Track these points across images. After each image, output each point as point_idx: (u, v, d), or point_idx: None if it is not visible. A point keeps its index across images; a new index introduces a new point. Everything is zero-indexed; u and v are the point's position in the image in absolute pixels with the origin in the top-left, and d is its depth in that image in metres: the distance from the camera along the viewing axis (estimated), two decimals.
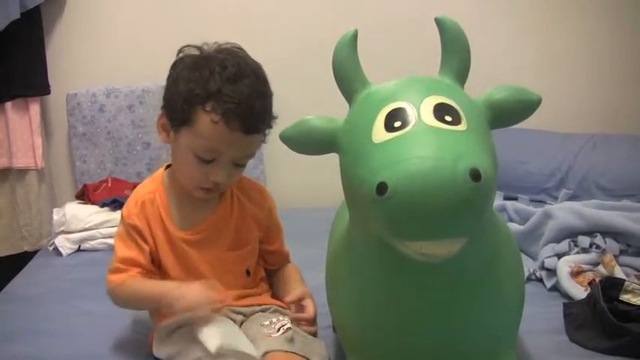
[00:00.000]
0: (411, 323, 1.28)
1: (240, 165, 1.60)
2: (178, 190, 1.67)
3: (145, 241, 1.64)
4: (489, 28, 3.22)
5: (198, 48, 1.61)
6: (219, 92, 1.50)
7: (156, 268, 1.67)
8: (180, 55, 1.62)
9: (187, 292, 1.50)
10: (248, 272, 1.71)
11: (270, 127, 1.59)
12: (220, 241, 1.67)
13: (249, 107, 1.51)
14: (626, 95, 3.37)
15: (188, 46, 1.63)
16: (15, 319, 2.06)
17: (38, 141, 3.10)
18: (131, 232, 1.64)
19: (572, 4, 3.31)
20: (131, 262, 1.63)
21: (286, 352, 1.51)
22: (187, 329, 1.56)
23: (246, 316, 1.65)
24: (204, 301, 1.48)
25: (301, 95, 2.82)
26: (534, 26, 3.33)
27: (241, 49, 1.62)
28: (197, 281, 1.54)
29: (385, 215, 1.08)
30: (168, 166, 1.73)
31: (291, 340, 1.54)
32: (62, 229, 2.72)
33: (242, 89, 1.51)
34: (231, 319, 1.62)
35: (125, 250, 1.64)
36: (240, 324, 1.64)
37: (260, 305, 1.68)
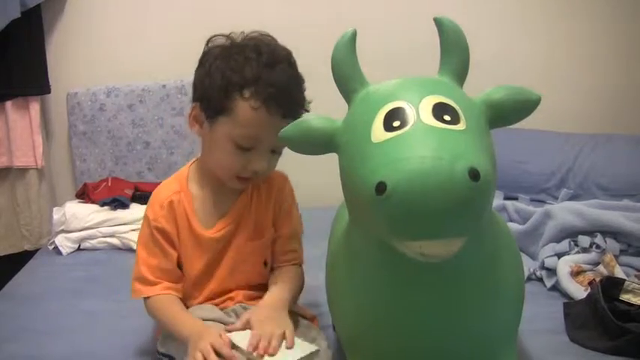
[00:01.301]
0: (410, 323, 1.28)
1: (276, 152, 1.59)
2: (204, 184, 1.65)
3: (172, 246, 1.62)
4: (489, 28, 3.22)
5: (227, 37, 1.61)
6: (258, 78, 1.50)
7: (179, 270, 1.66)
8: (209, 44, 1.61)
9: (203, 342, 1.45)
10: (266, 263, 1.69)
11: (307, 110, 1.60)
12: (241, 232, 1.65)
13: (289, 92, 1.52)
14: (626, 95, 3.37)
15: (216, 35, 1.62)
16: (15, 318, 2.06)
17: (38, 140, 3.10)
18: (157, 236, 1.61)
19: (573, 4, 3.31)
20: (159, 272, 1.61)
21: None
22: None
23: None
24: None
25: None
26: (534, 26, 3.33)
27: (270, 36, 1.62)
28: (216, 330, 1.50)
29: (384, 215, 1.07)
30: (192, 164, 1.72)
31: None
32: (62, 228, 2.72)
33: (279, 74, 1.51)
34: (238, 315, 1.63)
35: (150, 257, 1.62)
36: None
37: None
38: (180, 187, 1.66)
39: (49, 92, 3.15)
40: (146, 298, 1.61)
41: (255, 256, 1.68)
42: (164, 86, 3.13)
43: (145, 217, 1.64)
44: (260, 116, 1.49)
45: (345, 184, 1.22)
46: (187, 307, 1.64)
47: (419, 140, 1.09)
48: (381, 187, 1.05)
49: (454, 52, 1.26)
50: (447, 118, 1.13)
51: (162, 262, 1.61)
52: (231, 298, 1.67)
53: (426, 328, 1.28)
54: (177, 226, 1.62)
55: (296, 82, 1.57)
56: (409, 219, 1.06)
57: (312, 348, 1.42)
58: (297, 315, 1.65)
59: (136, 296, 1.62)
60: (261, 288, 1.68)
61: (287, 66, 1.55)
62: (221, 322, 1.60)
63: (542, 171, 3.00)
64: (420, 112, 1.13)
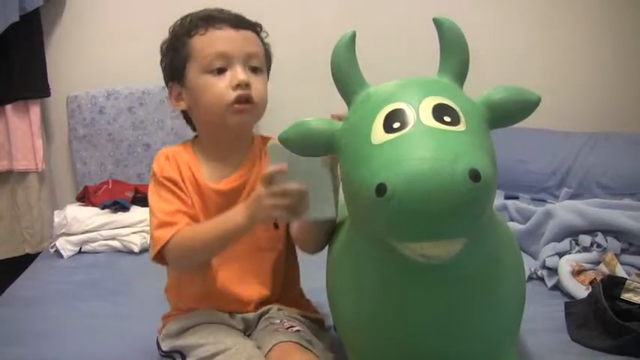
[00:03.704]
0: (411, 324, 1.28)
1: (256, 70, 1.60)
2: (207, 151, 1.65)
3: (183, 191, 1.59)
4: (489, 28, 3.21)
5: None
6: (196, 18, 1.61)
7: None
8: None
9: (247, 206, 1.43)
10: (276, 225, 1.67)
11: (259, 30, 1.66)
12: (247, 193, 1.61)
13: (222, 11, 1.62)
14: (627, 94, 3.36)
15: None
16: (17, 321, 2.06)
17: (39, 143, 3.10)
18: (168, 184, 1.59)
19: (572, 3, 3.31)
20: (178, 215, 1.56)
21: (294, 342, 1.52)
22: (199, 328, 1.59)
23: (263, 314, 1.66)
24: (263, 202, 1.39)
25: (301, 97, 2.84)
26: (534, 25, 3.33)
27: None
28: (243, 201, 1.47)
29: (385, 216, 1.07)
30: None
31: (298, 336, 1.55)
32: (63, 231, 2.73)
33: (211, 10, 1.63)
34: (248, 319, 1.64)
35: (165, 204, 1.57)
36: (258, 318, 1.65)
37: (281, 308, 1.67)
38: (184, 148, 1.67)
39: (49, 95, 3.15)
40: (164, 247, 1.52)
41: None
42: (164, 88, 3.08)
43: (152, 174, 1.62)
44: (211, 36, 1.58)
45: (346, 186, 1.21)
46: (189, 310, 1.65)
47: (419, 142, 1.09)
48: (381, 189, 1.05)
49: (454, 53, 1.26)
50: (447, 119, 1.13)
51: (178, 206, 1.57)
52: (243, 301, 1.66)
53: (426, 329, 1.28)
54: (182, 175, 1.61)
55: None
56: (410, 220, 1.06)
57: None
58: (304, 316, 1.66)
59: (159, 245, 1.52)
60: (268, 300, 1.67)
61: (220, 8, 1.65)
62: (225, 324, 1.60)
63: (543, 170, 3.00)
64: (420, 113, 1.13)
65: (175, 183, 1.59)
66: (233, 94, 1.55)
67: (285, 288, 1.71)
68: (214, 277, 1.62)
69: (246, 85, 1.55)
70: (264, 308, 1.65)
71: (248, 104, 1.57)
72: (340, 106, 1.33)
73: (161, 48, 1.67)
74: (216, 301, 1.64)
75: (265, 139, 1.65)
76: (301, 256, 1.74)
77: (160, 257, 1.54)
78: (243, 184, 1.62)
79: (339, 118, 1.31)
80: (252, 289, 1.65)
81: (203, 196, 1.61)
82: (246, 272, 1.64)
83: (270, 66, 1.70)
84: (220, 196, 1.60)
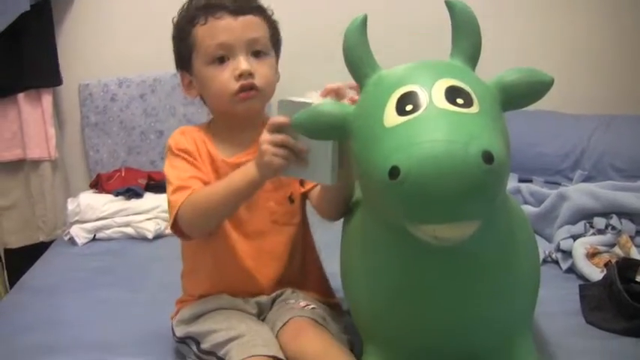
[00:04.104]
0: (425, 307, 1.28)
1: (259, 55, 1.60)
2: (220, 131, 1.65)
3: (197, 161, 1.60)
4: (499, 11, 3.20)
5: None
6: (198, 4, 1.60)
7: None
8: None
9: (257, 165, 1.42)
10: (291, 199, 1.67)
11: (263, 10, 1.65)
12: None
13: None
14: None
15: None
16: (32, 309, 2.08)
17: (51, 132, 3.11)
18: (182, 155, 1.60)
19: None
20: (193, 180, 1.56)
21: (308, 317, 1.53)
22: (213, 314, 1.60)
23: (279, 296, 1.66)
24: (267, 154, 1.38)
25: (311, 83, 2.83)
26: (546, 7, 3.31)
27: None
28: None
29: (398, 199, 1.07)
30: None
31: (313, 312, 1.56)
32: (77, 218, 2.74)
33: None
34: (262, 303, 1.64)
35: (181, 172, 1.58)
36: (273, 301, 1.65)
37: (295, 291, 1.67)
38: (200, 128, 1.68)
39: (60, 84, 3.16)
40: (179, 211, 1.52)
41: (278, 191, 1.65)
42: (175, 75, 3.09)
43: (168, 148, 1.63)
44: (211, 26, 1.57)
45: (359, 169, 1.21)
46: (203, 296, 1.65)
47: (432, 124, 1.08)
48: (394, 172, 1.04)
49: (466, 35, 1.25)
50: (459, 101, 1.12)
51: (193, 173, 1.58)
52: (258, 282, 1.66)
53: (441, 312, 1.28)
54: (198, 149, 1.62)
55: None
56: (423, 203, 1.06)
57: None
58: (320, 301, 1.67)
59: (175, 209, 1.52)
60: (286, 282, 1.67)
61: None
62: (238, 310, 1.61)
63: (557, 153, 2.99)
64: (433, 95, 1.12)
65: (190, 153, 1.60)
66: (236, 84, 1.56)
67: (304, 268, 1.71)
68: (230, 253, 1.62)
69: (249, 74, 1.56)
70: (278, 291, 1.66)
71: (253, 91, 1.57)
72: None
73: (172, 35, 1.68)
74: (231, 281, 1.64)
75: None
76: (316, 241, 1.74)
77: (177, 226, 1.54)
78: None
79: (337, 92, 1.34)
80: (269, 267, 1.65)
81: (217, 169, 1.61)
82: (262, 248, 1.64)
83: (279, 43, 1.69)
84: (233, 169, 1.57)
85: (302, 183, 1.67)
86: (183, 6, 1.64)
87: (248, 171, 1.43)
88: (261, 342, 1.48)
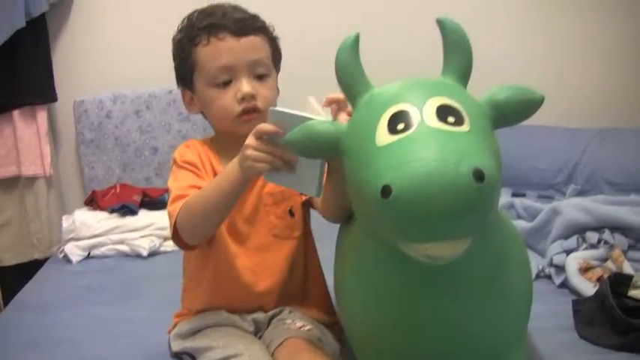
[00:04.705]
0: (419, 324, 1.28)
1: (262, 77, 1.61)
2: (223, 147, 1.66)
3: (201, 172, 1.61)
4: (494, 25, 3.22)
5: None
6: (199, 24, 1.60)
7: None
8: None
9: (240, 165, 1.42)
10: (292, 213, 1.67)
11: (266, 29, 1.65)
12: (259, 182, 1.63)
13: (225, 16, 1.59)
14: (632, 89, 3.36)
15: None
16: (28, 327, 2.07)
17: (46, 148, 3.12)
18: (186, 166, 1.61)
19: None
20: (191, 188, 1.56)
21: (304, 339, 1.53)
22: (210, 331, 1.60)
23: (276, 315, 1.66)
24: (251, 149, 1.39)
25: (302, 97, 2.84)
26: (540, 21, 3.33)
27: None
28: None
29: (390, 218, 1.08)
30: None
31: (309, 334, 1.56)
32: (72, 236, 2.74)
33: (215, 10, 1.61)
34: (259, 321, 1.65)
35: (182, 182, 1.58)
36: (270, 319, 1.66)
37: (293, 309, 1.67)
38: (204, 142, 1.69)
39: (55, 100, 3.17)
40: (177, 219, 1.51)
41: (278, 205, 1.66)
42: (170, 92, 3.14)
43: (173, 161, 1.64)
44: (214, 47, 1.58)
45: (351, 187, 1.22)
46: (200, 312, 1.65)
47: (423, 143, 1.09)
48: (386, 191, 1.05)
49: (457, 53, 1.26)
50: (450, 119, 1.13)
51: (193, 182, 1.58)
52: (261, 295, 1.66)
53: (433, 329, 1.28)
54: (202, 161, 1.63)
55: (234, 7, 1.64)
56: (415, 221, 1.06)
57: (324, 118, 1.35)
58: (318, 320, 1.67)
59: (172, 216, 1.52)
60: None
61: (226, 4, 1.64)
62: (235, 327, 1.61)
63: (550, 167, 3.01)
64: (424, 114, 1.13)
65: (195, 165, 1.61)
66: (239, 107, 1.57)
67: (305, 283, 1.71)
68: (231, 267, 1.62)
69: (252, 97, 1.57)
70: (276, 310, 1.66)
71: (255, 113, 1.58)
72: None
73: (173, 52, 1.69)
74: (231, 296, 1.64)
75: None
76: (323, 254, 1.74)
77: (178, 235, 1.54)
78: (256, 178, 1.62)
79: (338, 103, 1.36)
80: (269, 281, 1.65)
81: None
82: (262, 263, 1.64)
83: (279, 60, 1.70)
84: None
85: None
86: (183, 21, 1.65)
87: (231, 171, 1.44)
88: None
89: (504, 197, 2.71)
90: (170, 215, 1.54)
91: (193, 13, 1.65)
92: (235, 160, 1.43)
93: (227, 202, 1.49)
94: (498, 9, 3.28)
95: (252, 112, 1.58)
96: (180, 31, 1.65)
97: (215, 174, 1.62)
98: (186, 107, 1.71)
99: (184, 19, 1.65)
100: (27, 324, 2.09)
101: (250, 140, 1.38)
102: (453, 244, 1.10)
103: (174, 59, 1.67)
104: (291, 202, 1.67)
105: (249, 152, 1.37)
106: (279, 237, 1.66)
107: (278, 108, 1.37)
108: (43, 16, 3.05)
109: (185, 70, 1.63)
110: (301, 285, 1.70)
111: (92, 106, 3.16)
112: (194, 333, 1.62)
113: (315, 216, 1.71)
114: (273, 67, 1.65)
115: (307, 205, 1.69)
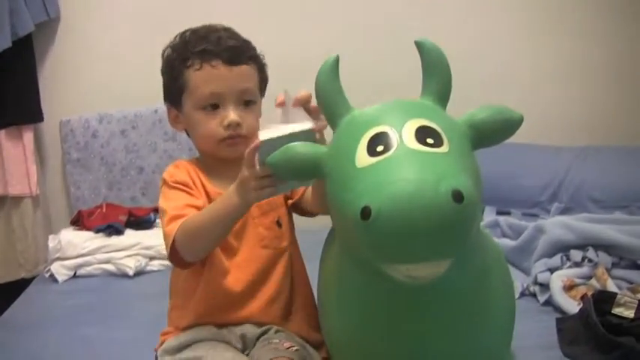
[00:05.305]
0: (401, 345, 1.28)
1: (249, 104, 1.62)
2: (210, 166, 1.66)
3: (193, 191, 1.61)
4: (482, 44, 3.24)
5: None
6: (194, 46, 1.60)
7: None
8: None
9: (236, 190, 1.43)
10: (279, 223, 1.68)
11: (256, 57, 1.66)
12: None
13: (219, 42, 1.60)
14: (617, 107, 3.39)
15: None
16: (14, 347, 2.08)
17: (32, 168, 3.12)
18: (177, 186, 1.61)
19: (564, 18, 3.34)
20: (188, 208, 1.56)
21: (289, 359, 1.53)
22: (198, 345, 1.59)
23: (265, 333, 1.65)
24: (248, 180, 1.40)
25: None
26: (526, 40, 3.35)
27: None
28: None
29: (370, 239, 1.08)
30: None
31: (296, 354, 1.55)
32: (58, 255, 2.74)
33: (210, 34, 1.62)
34: (246, 337, 1.64)
35: (176, 202, 1.58)
36: (258, 337, 1.64)
37: (279, 330, 1.67)
38: (191, 162, 1.69)
39: (42, 120, 3.18)
40: (175, 240, 1.51)
41: (266, 216, 1.66)
42: (156, 111, 3.15)
43: (163, 181, 1.64)
44: (205, 73, 1.59)
45: (332, 209, 1.23)
46: (191, 327, 1.65)
47: (402, 164, 1.10)
48: (366, 212, 1.05)
49: (435, 74, 1.27)
50: (429, 141, 1.13)
51: (188, 201, 1.58)
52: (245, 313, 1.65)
53: (417, 349, 1.28)
54: (192, 180, 1.63)
55: (230, 33, 1.65)
56: (394, 243, 1.07)
57: (307, 125, 1.37)
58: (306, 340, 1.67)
59: (169, 236, 1.51)
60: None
61: (222, 28, 1.65)
62: (222, 342, 1.61)
63: (535, 185, 3.03)
64: (403, 136, 1.14)
65: (186, 184, 1.62)
66: (224, 133, 1.59)
67: (293, 292, 1.70)
68: (221, 280, 1.62)
69: (237, 125, 1.59)
70: (264, 328, 1.66)
71: (240, 138, 1.60)
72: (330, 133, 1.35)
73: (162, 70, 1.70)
74: (220, 308, 1.63)
75: None
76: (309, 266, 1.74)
77: (175, 254, 1.53)
78: None
79: (306, 103, 1.39)
80: (259, 292, 1.64)
81: (211, 201, 1.61)
82: (251, 273, 1.64)
83: (266, 85, 1.71)
84: None
85: (291, 195, 1.69)
86: (175, 38, 1.66)
87: (232, 200, 1.44)
88: None
89: (489, 215, 2.72)
90: (167, 235, 1.54)
91: (186, 31, 1.65)
92: (232, 191, 1.44)
93: (229, 226, 1.51)
94: (478, 28, 3.30)
95: (236, 137, 1.60)
96: (172, 48, 1.66)
97: (206, 192, 1.63)
98: (170, 124, 1.72)
99: (177, 36, 1.66)
100: (14, 344, 2.09)
101: (246, 172, 1.39)
102: (433, 265, 1.11)
103: (163, 74, 1.68)
104: (278, 213, 1.68)
105: (252, 184, 1.38)
106: (269, 247, 1.66)
107: (265, 132, 1.36)
108: (29, 36, 3.06)
109: (174, 90, 1.64)
110: (289, 294, 1.70)
111: (78, 125, 3.17)
112: (182, 348, 1.62)
113: (303, 233, 1.72)
114: (259, 93, 1.67)
115: (291, 215, 1.71)
